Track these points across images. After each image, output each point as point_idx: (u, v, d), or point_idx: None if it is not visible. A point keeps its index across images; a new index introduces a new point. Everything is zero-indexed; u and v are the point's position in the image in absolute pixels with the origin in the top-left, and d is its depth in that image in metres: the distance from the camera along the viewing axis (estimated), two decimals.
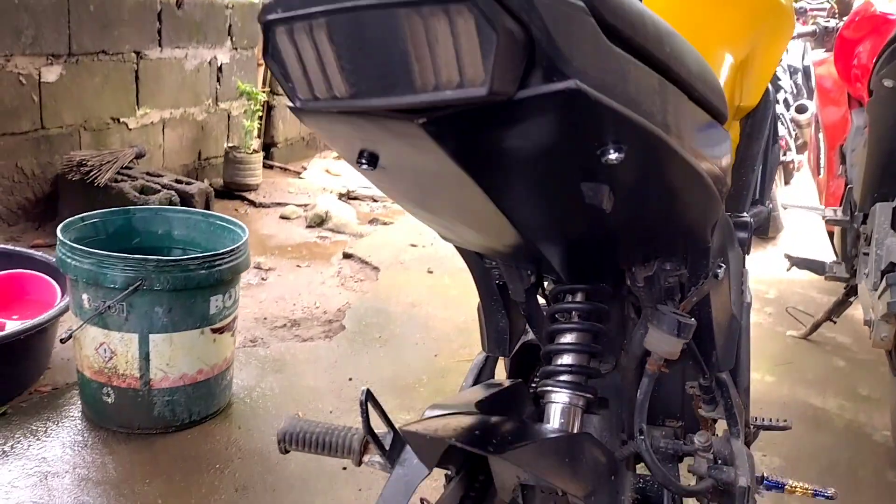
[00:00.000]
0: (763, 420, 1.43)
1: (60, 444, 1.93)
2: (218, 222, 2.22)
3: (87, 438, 1.95)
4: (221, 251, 1.93)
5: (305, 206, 4.32)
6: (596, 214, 0.76)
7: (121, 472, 1.83)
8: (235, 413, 2.13)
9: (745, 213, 1.35)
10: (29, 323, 2.06)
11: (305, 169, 5.19)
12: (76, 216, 2.07)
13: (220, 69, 4.47)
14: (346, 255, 3.63)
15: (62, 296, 2.29)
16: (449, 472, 1.14)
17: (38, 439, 1.93)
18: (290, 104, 0.64)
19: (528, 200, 0.79)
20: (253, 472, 1.87)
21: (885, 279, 2.04)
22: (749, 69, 1.32)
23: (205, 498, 1.76)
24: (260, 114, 4.57)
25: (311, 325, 2.80)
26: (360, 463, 1.13)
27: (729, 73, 1.28)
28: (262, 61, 4.78)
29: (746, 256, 1.36)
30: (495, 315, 1.23)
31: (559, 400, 1.01)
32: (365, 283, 3.33)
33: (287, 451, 1.16)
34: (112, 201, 3.34)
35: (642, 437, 1.01)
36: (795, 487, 1.24)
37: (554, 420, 1.01)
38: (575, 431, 1.01)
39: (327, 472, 1.88)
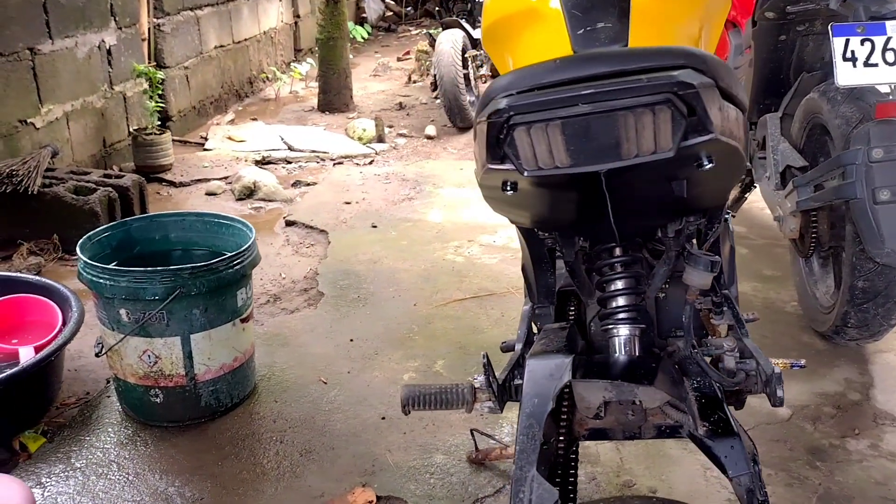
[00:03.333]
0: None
1: (123, 447, 2.08)
2: (212, 220, 2.36)
3: (144, 438, 2.12)
4: (242, 249, 2.10)
5: (226, 178, 4.38)
6: (672, 198, 1.08)
7: (192, 460, 2.02)
8: (266, 390, 2.34)
9: None
10: (52, 346, 2.15)
11: (207, 139, 5.16)
12: (84, 237, 2.16)
13: (109, 52, 4.37)
14: (289, 223, 3.78)
15: (62, 313, 2.37)
16: None
17: (99, 448, 2.08)
18: (517, 170, 0.90)
19: (633, 197, 1.09)
20: (308, 437, 2.11)
21: (791, 182, 2.48)
22: (705, 37, 1.66)
23: (277, 466, 2.00)
24: (160, 91, 4.52)
25: (291, 296, 2.99)
26: (471, 410, 1.43)
27: (695, 44, 1.61)
28: (146, 36, 4.70)
29: None
30: (545, 273, 1.54)
31: (622, 333, 1.35)
32: (317, 247, 3.52)
33: (409, 413, 1.44)
34: (49, 207, 3.34)
35: (696, 350, 1.34)
36: (778, 363, 1.62)
37: (621, 350, 1.34)
38: (637, 355, 1.34)
39: (371, 425, 2.14)
